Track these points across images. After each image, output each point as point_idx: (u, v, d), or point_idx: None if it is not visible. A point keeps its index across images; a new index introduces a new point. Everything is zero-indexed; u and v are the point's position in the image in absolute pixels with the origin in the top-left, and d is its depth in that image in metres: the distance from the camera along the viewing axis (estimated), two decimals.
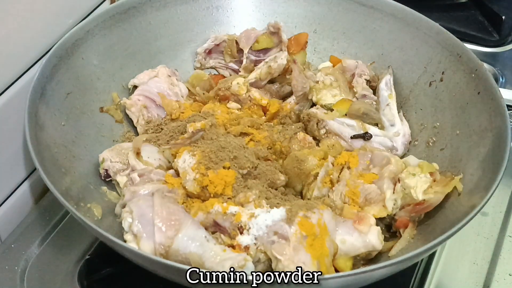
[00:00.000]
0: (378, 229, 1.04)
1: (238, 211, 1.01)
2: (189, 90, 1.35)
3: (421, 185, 1.07)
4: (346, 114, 1.25)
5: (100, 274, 1.14)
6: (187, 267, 0.86)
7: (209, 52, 1.42)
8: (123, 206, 1.03)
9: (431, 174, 1.10)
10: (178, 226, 0.97)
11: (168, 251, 0.95)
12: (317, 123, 1.24)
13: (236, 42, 1.39)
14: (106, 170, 1.15)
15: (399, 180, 1.09)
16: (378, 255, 1.06)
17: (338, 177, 1.12)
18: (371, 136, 1.21)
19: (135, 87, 1.30)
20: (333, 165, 1.13)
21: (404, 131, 1.24)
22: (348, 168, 1.13)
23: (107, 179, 1.16)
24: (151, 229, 0.97)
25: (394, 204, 1.08)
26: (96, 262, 1.15)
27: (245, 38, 1.38)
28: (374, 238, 1.03)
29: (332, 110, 1.26)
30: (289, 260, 0.94)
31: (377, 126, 1.25)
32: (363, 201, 1.08)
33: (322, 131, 1.23)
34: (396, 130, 1.24)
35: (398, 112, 1.27)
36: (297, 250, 0.95)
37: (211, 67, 1.43)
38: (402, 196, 1.08)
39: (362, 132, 1.22)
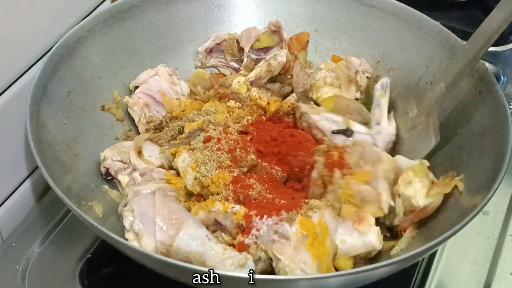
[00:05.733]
0: (377, 229, 1.04)
1: (239, 209, 1.01)
2: (190, 89, 1.35)
3: (419, 191, 1.05)
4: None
5: (101, 273, 1.14)
6: (189, 265, 0.86)
7: (210, 51, 1.41)
8: (126, 206, 1.03)
9: (429, 168, 1.09)
10: (179, 225, 0.97)
11: (170, 249, 0.95)
12: (300, 117, 1.23)
13: (237, 41, 1.39)
14: (107, 168, 1.15)
15: (399, 196, 1.06)
16: (379, 254, 1.06)
17: (331, 178, 1.09)
18: (352, 132, 1.18)
19: (136, 87, 1.31)
20: (324, 166, 1.12)
21: (387, 130, 1.20)
22: (339, 168, 1.09)
23: (108, 178, 1.16)
24: (152, 227, 0.97)
25: (396, 217, 1.06)
26: (98, 261, 1.15)
27: (246, 37, 1.38)
28: (373, 238, 1.03)
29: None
30: (290, 259, 0.94)
31: (367, 125, 1.22)
32: (359, 202, 1.07)
33: (305, 124, 1.21)
34: (379, 128, 1.21)
35: (389, 113, 1.23)
36: (297, 250, 0.95)
37: (212, 66, 1.43)
38: (403, 208, 1.06)
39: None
